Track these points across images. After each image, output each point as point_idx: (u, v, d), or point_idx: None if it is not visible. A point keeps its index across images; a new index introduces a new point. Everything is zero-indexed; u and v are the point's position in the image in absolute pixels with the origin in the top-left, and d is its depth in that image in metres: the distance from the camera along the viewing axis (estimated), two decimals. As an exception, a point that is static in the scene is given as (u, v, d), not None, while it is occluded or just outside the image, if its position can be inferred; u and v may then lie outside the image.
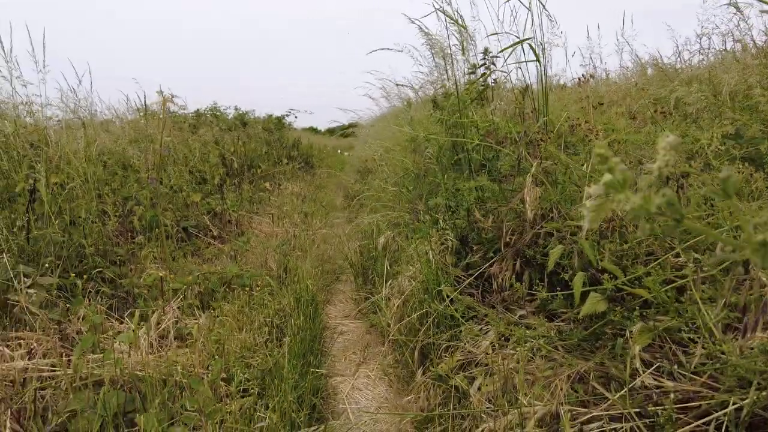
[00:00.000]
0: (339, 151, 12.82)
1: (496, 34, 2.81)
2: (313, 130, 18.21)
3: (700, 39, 3.84)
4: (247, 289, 3.04)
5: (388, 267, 2.69)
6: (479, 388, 1.64)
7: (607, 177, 0.48)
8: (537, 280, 1.81)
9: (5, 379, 1.63)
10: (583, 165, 1.79)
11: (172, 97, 2.83)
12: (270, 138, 9.92)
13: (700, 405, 1.25)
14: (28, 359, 1.73)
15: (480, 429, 1.39)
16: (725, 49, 4.00)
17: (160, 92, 2.84)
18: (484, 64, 3.31)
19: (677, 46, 4.24)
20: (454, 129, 2.77)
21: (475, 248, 2.08)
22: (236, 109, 10.85)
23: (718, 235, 0.41)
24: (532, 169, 1.78)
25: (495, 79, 3.36)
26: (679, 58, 4.32)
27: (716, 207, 1.56)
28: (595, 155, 0.45)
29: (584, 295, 1.57)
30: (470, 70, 3.38)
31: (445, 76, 3.58)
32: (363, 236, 3.76)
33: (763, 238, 0.37)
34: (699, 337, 1.37)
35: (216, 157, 6.33)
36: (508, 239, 1.87)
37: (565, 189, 1.80)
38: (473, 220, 2.03)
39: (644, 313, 1.47)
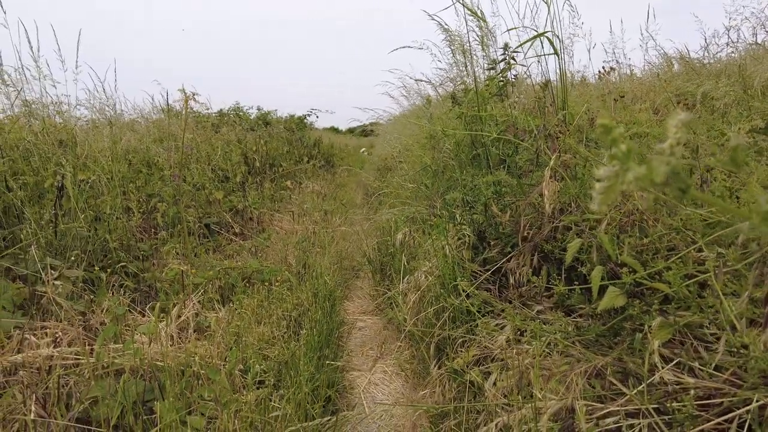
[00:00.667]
0: (362, 150, 12.84)
1: (516, 28, 2.78)
2: (334, 130, 18.32)
3: (729, 32, 3.73)
4: (267, 284, 3.07)
5: (406, 263, 2.68)
6: (494, 383, 1.62)
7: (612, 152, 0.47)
8: (555, 275, 1.79)
9: (31, 366, 1.68)
10: (603, 159, 1.75)
11: (194, 95, 2.88)
12: (292, 137, 10.01)
13: (722, 402, 1.22)
14: (54, 347, 1.78)
15: (494, 423, 1.38)
16: (756, 42, 3.88)
17: (183, 90, 2.89)
18: (504, 59, 3.28)
19: (705, 39, 4.12)
20: (473, 125, 2.75)
21: (492, 243, 2.06)
22: (258, 109, 10.99)
23: (724, 202, 0.40)
24: (550, 163, 1.75)
25: (515, 75, 3.33)
26: (706, 53, 4.19)
27: (741, 199, 1.51)
28: (598, 126, 0.44)
29: (603, 291, 1.54)
30: (490, 66, 3.36)
31: (465, 72, 3.56)
32: (381, 233, 3.76)
33: (771, 208, 0.36)
34: (722, 333, 1.32)
35: (238, 156, 6.41)
36: (525, 234, 1.85)
37: (585, 183, 1.77)
38: (491, 214, 2.01)
39: (664, 308, 1.44)
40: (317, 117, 11.80)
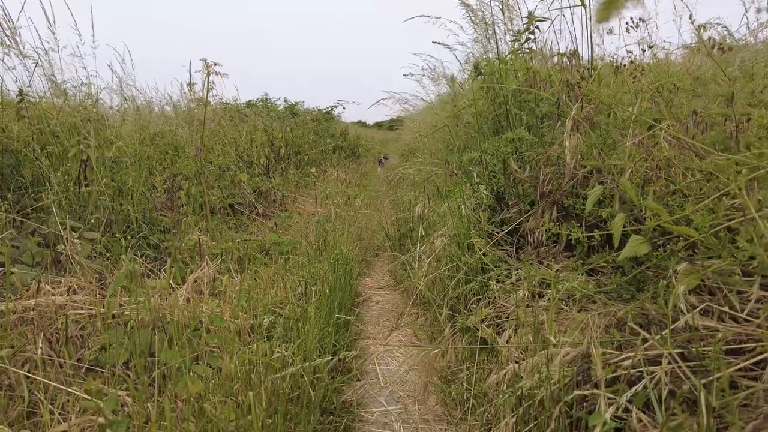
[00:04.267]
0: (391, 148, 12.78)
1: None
2: (362, 124, 18.36)
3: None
4: (285, 256, 3.06)
5: (423, 232, 2.62)
6: (508, 340, 1.55)
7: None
8: (576, 227, 1.69)
9: (45, 312, 1.70)
10: (628, 108, 1.65)
11: (215, 64, 2.89)
12: (318, 128, 10.06)
13: (754, 348, 1.12)
14: (68, 295, 1.80)
15: (504, 371, 1.31)
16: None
17: (204, 59, 2.91)
18: (528, 29, 3.17)
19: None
20: (495, 96, 2.67)
21: (510, 204, 1.98)
22: (286, 100, 11.07)
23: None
24: (572, 113, 1.66)
25: (540, 48, 3.22)
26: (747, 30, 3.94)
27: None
28: None
29: (624, 244, 1.45)
30: (514, 38, 3.26)
31: (489, 47, 3.46)
32: (400, 209, 3.71)
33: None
34: (755, 278, 1.22)
35: (263, 138, 6.47)
36: (545, 189, 1.76)
37: (608, 134, 1.67)
38: (509, 172, 1.93)
39: (691, 256, 1.34)
40: (344, 108, 11.80)
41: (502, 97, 2.47)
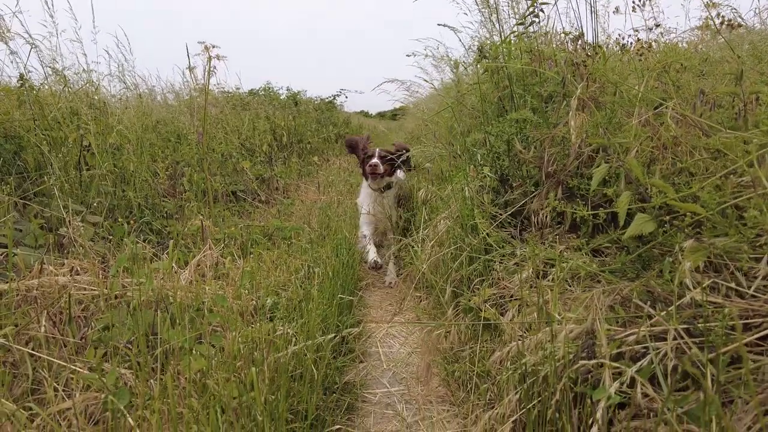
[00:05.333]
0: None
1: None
2: (364, 114, 18.29)
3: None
4: (288, 241, 3.05)
5: (426, 216, 2.61)
6: (511, 319, 1.54)
7: None
8: (581, 205, 1.67)
9: (48, 292, 1.70)
10: (635, 87, 1.63)
11: (213, 46, 2.87)
12: (321, 117, 10.03)
13: (761, 323, 1.10)
14: (70, 276, 1.80)
15: (507, 348, 1.30)
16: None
17: (203, 42, 2.88)
18: (532, 11, 3.14)
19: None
20: (500, 80, 2.64)
21: (514, 186, 1.96)
22: (288, 89, 11.00)
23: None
24: (577, 91, 1.64)
25: (545, 30, 3.18)
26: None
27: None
28: None
29: (629, 223, 1.44)
30: (519, 21, 3.22)
31: (493, 30, 3.42)
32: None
33: None
34: (762, 257, 1.21)
35: (265, 126, 6.44)
36: (549, 169, 1.75)
37: (614, 113, 1.65)
38: (513, 153, 1.91)
39: (698, 234, 1.32)
40: (346, 98, 11.74)
41: (506, 81, 2.44)
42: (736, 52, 1.70)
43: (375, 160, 3.09)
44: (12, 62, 3.21)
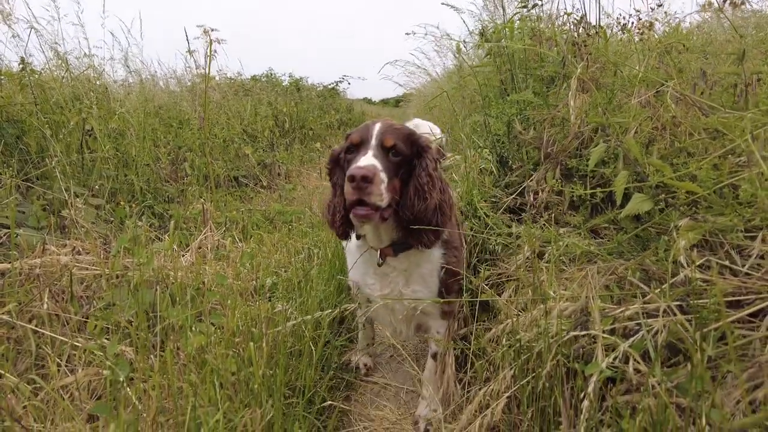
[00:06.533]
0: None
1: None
2: (367, 101, 18.22)
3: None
4: (289, 224, 3.07)
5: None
6: (509, 298, 1.55)
7: None
8: (579, 185, 1.68)
9: (50, 271, 1.72)
10: (635, 66, 1.62)
11: (212, 30, 2.86)
12: (323, 103, 9.99)
13: (754, 300, 1.11)
14: (72, 256, 1.82)
15: (502, 325, 1.31)
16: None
17: (202, 26, 2.88)
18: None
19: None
20: (502, 64, 2.62)
21: (514, 167, 1.96)
22: (290, 76, 10.95)
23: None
24: (577, 71, 1.63)
25: (549, 15, 3.16)
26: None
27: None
28: None
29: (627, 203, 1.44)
30: (522, 3, 3.19)
31: (496, 13, 3.40)
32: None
33: None
34: (758, 233, 1.21)
35: (267, 112, 6.43)
36: (548, 150, 1.74)
37: (613, 94, 1.64)
38: (513, 135, 1.91)
39: (694, 213, 1.33)
40: (349, 84, 11.67)
41: (508, 64, 2.43)
42: (738, 32, 1.69)
43: (365, 159, 1.33)
44: (15, 46, 3.22)
